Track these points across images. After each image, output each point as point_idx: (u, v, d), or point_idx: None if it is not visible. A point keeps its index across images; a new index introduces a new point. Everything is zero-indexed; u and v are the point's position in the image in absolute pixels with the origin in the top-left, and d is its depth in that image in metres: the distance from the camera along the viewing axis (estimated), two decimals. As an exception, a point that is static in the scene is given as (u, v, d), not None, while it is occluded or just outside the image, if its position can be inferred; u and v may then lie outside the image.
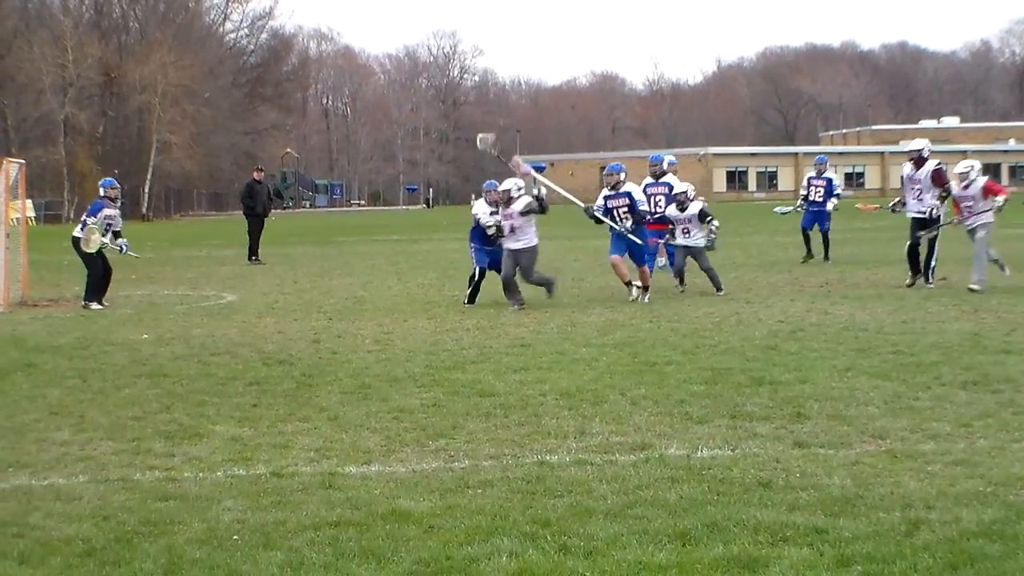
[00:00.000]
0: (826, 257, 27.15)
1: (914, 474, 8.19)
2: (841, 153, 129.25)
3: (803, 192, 27.71)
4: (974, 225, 20.35)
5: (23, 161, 24.27)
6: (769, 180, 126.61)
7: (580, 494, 7.85)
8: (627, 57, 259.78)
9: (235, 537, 7.11)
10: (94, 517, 7.57)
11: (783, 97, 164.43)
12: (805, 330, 15.60)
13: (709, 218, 20.53)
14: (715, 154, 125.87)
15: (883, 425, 9.71)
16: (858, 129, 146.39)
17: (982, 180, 20.66)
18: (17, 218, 23.31)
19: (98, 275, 20.84)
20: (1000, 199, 20.68)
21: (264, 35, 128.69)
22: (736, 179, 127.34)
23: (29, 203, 21.46)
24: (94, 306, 20.47)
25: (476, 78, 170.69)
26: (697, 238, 20.66)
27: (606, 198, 19.81)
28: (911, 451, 8.84)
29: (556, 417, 10.35)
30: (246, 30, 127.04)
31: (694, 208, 20.77)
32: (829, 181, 27.63)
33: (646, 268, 19.86)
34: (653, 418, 10.21)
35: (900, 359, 12.99)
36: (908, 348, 13.72)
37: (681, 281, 21.09)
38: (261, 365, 13.63)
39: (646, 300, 19.43)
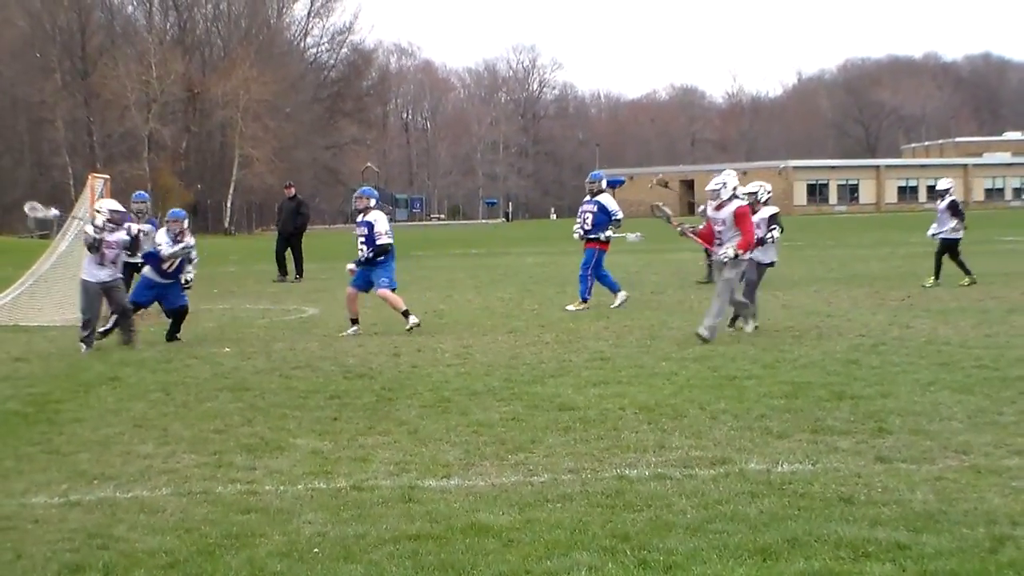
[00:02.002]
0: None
1: (999, 490, 8.10)
2: (923, 166, 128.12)
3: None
4: (721, 259, 16.38)
5: (108, 176, 24.50)
6: (850, 193, 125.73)
7: (659, 508, 7.82)
8: (707, 70, 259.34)
9: (315, 550, 7.15)
10: (177, 529, 7.64)
11: (864, 109, 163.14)
12: (887, 344, 15.47)
13: (774, 227, 19.53)
14: (795, 167, 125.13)
15: (967, 440, 9.61)
16: (941, 142, 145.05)
17: (735, 204, 16.49)
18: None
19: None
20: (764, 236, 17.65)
21: (344, 50, 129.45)
22: (817, 192, 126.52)
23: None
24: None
25: (555, 92, 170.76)
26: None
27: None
28: (995, 466, 8.75)
29: (635, 431, 10.33)
30: (326, 45, 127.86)
31: (764, 213, 19.18)
32: None
33: None
34: (733, 432, 10.16)
35: (984, 373, 12.85)
36: (992, 362, 13.56)
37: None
38: (342, 379, 13.70)
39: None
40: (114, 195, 23.53)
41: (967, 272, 24.22)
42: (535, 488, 8.46)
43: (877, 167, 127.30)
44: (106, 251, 16.95)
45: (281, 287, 28.97)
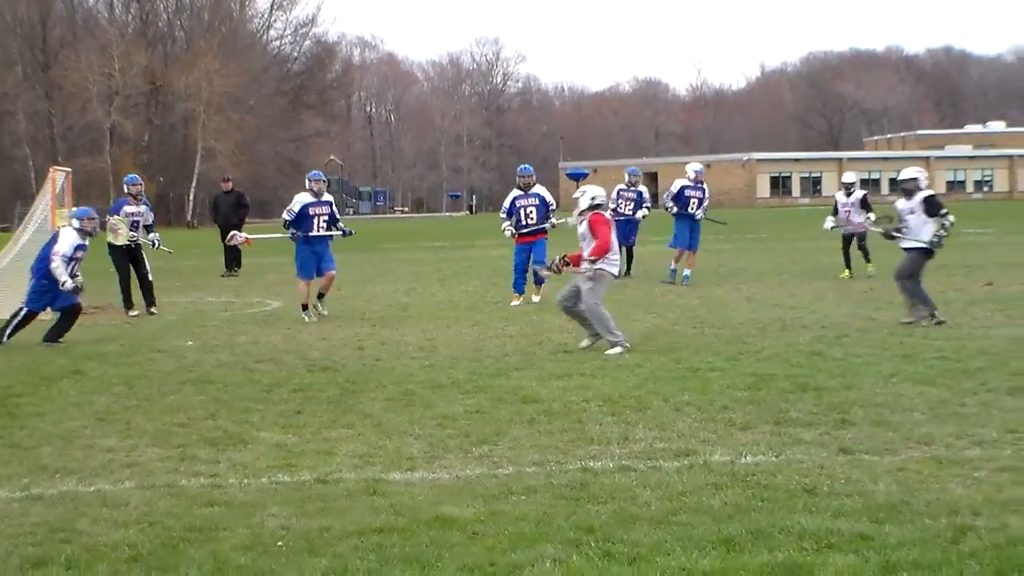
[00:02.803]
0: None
1: (960, 480, 8.15)
2: (886, 159, 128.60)
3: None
4: (584, 273, 15.10)
5: (69, 169, 24.40)
6: (813, 186, 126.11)
7: (624, 500, 7.84)
8: (670, 63, 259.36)
9: (280, 543, 7.14)
10: (140, 523, 7.62)
11: (827, 102, 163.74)
12: (850, 336, 15.55)
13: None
14: (758, 160, 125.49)
15: (929, 431, 9.67)
16: (903, 134, 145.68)
17: (589, 213, 15.20)
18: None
19: (126, 278, 21.05)
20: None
21: (307, 43, 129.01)
22: (780, 185, 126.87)
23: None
24: (131, 313, 20.62)
25: (519, 85, 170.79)
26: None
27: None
28: (957, 457, 8.80)
29: (599, 423, 10.35)
30: (290, 38, 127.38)
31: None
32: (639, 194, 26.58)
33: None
34: (697, 424, 10.20)
35: (945, 365, 12.92)
36: (954, 354, 13.64)
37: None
38: (305, 372, 13.68)
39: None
40: (76, 189, 23.48)
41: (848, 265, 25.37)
42: (500, 481, 8.47)
43: (840, 160, 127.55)
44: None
45: (243, 279, 28.84)
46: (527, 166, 22.05)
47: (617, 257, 15.33)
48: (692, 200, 24.40)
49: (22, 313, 17.04)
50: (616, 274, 15.44)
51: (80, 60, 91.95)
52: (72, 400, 12.19)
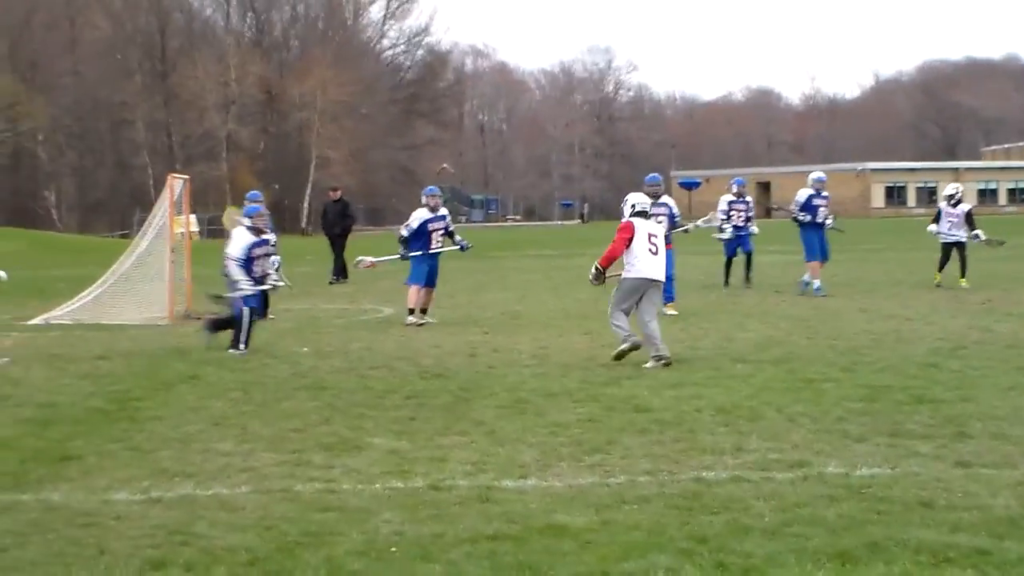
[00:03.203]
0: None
1: (1082, 495, 8.01)
2: (1004, 168, 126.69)
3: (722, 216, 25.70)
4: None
5: (187, 177, 24.76)
6: (929, 195, 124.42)
7: (737, 511, 7.80)
8: (783, 72, 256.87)
9: (393, 549, 7.19)
10: (257, 527, 7.71)
11: (942, 111, 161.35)
12: (967, 348, 15.33)
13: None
14: (873, 169, 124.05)
15: (1049, 445, 9.52)
16: (1022, 144, 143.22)
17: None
18: (181, 232, 23.82)
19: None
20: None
21: (421, 51, 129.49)
22: (895, 195, 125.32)
23: (193, 218, 21.96)
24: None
25: (631, 93, 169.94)
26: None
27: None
28: (1078, 472, 8.65)
29: (712, 433, 10.31)
30: (403, 47, 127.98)
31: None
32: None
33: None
34: (811, 435, 10.12)
35: (1066, 378, 12.71)
36: (1075, 367, 13.41)
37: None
38: (418, 379, 13.76)
39: None
40: (193, 196, 23.82)
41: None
42: (612, 489, 8.47)
43: (956, 169, 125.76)
44: None
45: (358, 286, 29.00)
46: (655, 175, 21.98)
47: (644, 264, 14.97)
48: (820, 209, 24.19)
49: (244, 315, 16.56)
50: (648, 278, 15.05)
51: (197, 69, 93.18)
52: (190, 405, 12.37)
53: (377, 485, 8.76)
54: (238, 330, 16.46)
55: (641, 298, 14.94)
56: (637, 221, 15.05)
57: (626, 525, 7.55)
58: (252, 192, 22.88)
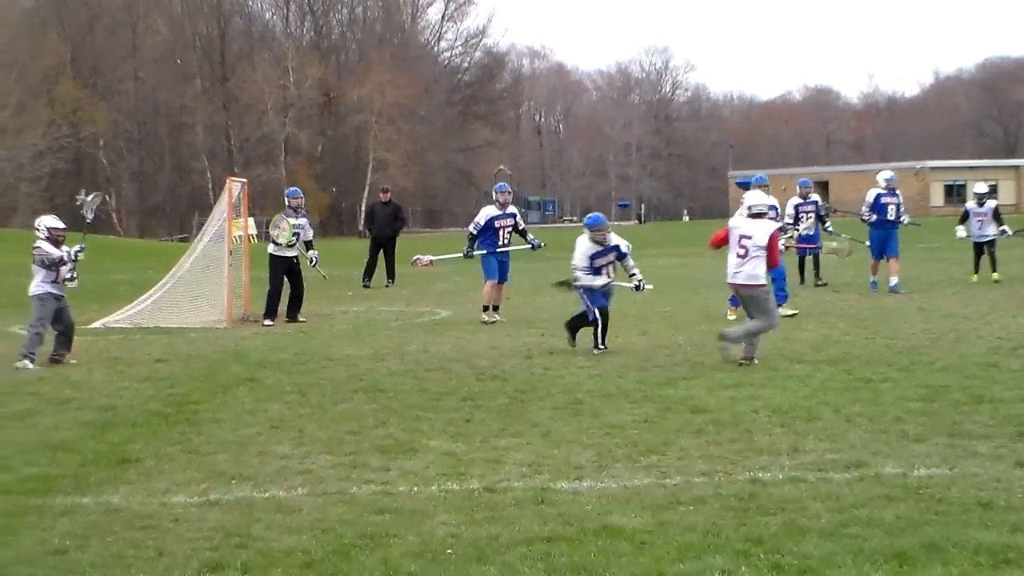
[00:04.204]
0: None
1: None
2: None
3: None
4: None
5: (245, 180, 24.89)
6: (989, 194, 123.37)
7: (794, 512, 7.77)
8: (841, 70, 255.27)
9: (449, 551, 7.21)
10: (313, 529, 7.75)
11: (1004, 108, 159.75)
12: (1028, 347, 15.21)
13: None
14: (932, 168, 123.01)
15: (1110, 445, 9.43)
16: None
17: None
18: (240, 236, 23.95)
19: (276, 290, 21.24)
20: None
21: (478, 53, 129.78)
22: (954, 193, 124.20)
23: (251, 221, 22.04)
24: (266, 322, 20.90)
25: (688, 94, 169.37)
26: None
27: (493, 217, 20.62)
28: None
29: (769, 434, 10.27)
30: (460, 48, 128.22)
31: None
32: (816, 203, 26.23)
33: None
34: (868, 436, 10.07)
35: None
36: None
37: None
38: (474, 381, 13.77)
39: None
40: (251, 199, 23.96)
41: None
42: (668, 491, 8.45)
43: (1017, 167, 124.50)
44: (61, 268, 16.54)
45: (414, 289, 29.04)
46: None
47: (728, 267, 15.11)
48: (889, 207, 24.11)
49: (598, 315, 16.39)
50: (729, 282, 15.43)
51: (256, 73, 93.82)
52: (247, 407, 12.44)
53: (433, 487, 8.78)
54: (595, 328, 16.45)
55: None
56: (735, 222, 15.09)
57: (682, 526, 7.54)
58: (291, 189, 23.16)
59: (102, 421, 11.83)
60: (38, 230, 16.72)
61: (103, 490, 8.96)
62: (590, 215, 17.74)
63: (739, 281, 14.95)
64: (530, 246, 21.20)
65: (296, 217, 21.56)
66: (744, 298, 15.07)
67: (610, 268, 17.45)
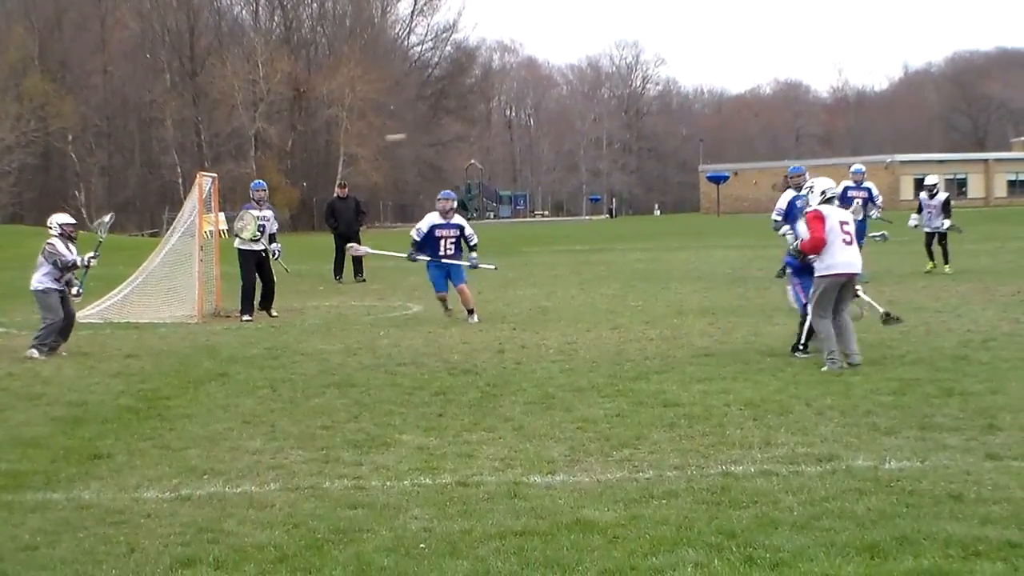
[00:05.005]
0: None
1: (1112, 488, 7.98)
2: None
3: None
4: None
5: (215, 175, 24.81)
6: (958, 187, 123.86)
7: (766, 505, 7.80)
8: (811, 64, 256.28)
9: (422, 545, 7.21)
10: (285, 524, 7.74)
11: (972, 102, 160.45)
12: (997, 339, 15.28)
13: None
14: (902, 161, 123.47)
15: (1079, 437, 9.47)
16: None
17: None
18: (210, 231, 23.88)
19: (249, 285, 21.19)
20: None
21: (448, 48, 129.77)
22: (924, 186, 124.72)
23: (222, 216, 21.96)
24: (245, 318, 20.84)
25: (659, 87, 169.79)
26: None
27: (434, 225, 20.11)
28: (1109, 464, 8.61)
29: (741, 428, 10.30)
30: (430, 43, 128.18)
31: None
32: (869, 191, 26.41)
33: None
34: (840, 429, 10.10)
35: (1097, 370, 12.64)
36: (1105, 358, 13.34)
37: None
38: (446, 375, 13.77)
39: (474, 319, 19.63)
40: (222, 194, 23.89)
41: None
42: (640, 484, 8.47)
43: (986, 161, 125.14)
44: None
45: (386, 283, 28.98)
46: (798, 167, 20.61)
47: (839, 256, 13.59)
48: (856, 201, 24.16)
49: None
50: (845, 272, 13.76)
51: (226, 67, 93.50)
52: (219, 403, 12.41)
53: (405, 481, 8.78)
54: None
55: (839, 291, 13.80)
56: (826, 209, 13.83)
57: (654, 520, 7.55)
58: (255, 182, 23.21)
59: (73, 417, 11.78)
60: (50, 228, 16.99)
61: (74, 486, 8.93)
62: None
63: (855, 270, 13.87)
64: (469, 265, 20.08)
65: (260, 209, 21.50)
66: (846, 285, 13.84)
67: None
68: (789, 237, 15.35)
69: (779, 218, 19.29)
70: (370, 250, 23.45)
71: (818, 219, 13.65)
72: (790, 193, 19.76)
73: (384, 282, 29.51)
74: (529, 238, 60.82)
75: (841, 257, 13.62)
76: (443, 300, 19.96)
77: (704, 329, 17.42)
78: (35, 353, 16.16)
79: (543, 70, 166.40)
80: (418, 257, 20.19)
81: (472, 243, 20.07)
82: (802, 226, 14.03)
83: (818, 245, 13.54)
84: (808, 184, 14.49)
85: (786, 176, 21.26)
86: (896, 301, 20.46)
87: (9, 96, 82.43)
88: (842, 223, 13.74)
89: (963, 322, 17.36)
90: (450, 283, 19.83)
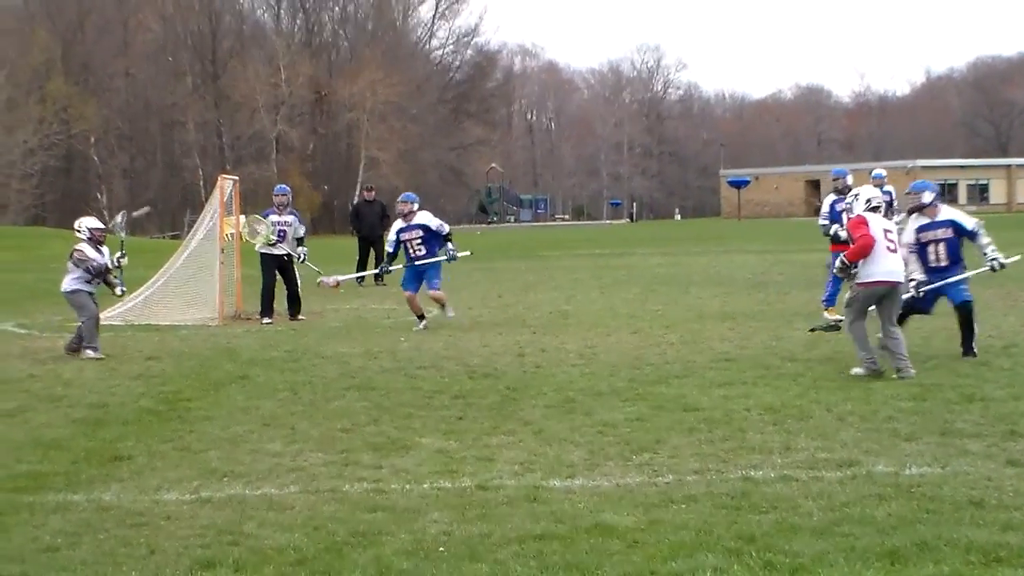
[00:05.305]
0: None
1: None
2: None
3: None
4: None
5: (236, 178, 24.84)
6: (980, 193, 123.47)
7: (785, 510, 7.78)
8: (833, 69, 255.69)
9: (441, 549, 7.21)
10: (305, 527, 7.75)
11: (995, 108, 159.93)
12: (1018, 345, 15.24)
13: None
14: (923, 167, 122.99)
15: (1101, 444, 9.44)
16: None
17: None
18: (231, 233, 23.91)
19: (269, 287, 21.23)
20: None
21: (469, 51, 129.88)
22: (945, 192, 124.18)
23: (243, 219, 22.00)
24: (265, 321, 20.89)
25: (680, 92, 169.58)
26: None
27: (398, 231, 19.69)
28: None
29: (761, 432, 10.28)
30: (452, 47, 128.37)
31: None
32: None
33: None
34: (860, 434, 10.08)
35: (1119, 376, 12.60)
36: None
37: None
38: (466, 379, 13.77)
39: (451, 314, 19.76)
40: (243, 197, 23.92)
41: None
42: (660, 489, 8.46)
43: (1008, 166, 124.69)
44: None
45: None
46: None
47: (883, 264, 13.33)
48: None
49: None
50: (889, 280, 13.43)
51: (247, 71, 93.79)
52: (239, 405, 12.43)
53: (425, 485, 8.78)
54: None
55: (880, 302, 13.54)
56: (870, 216, 13.56)
57: (674, 525, 7.54)
58: (278, 186, 23.11)
59: (94, 418, 11.81)
60: (78, 231, 17.11)
61: (95, 487, 8.95)
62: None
63: (897, 279, 13.55)
64: (447, 259, 19.60)
65: (280, 215, 21.50)
66: (889, 294, 13.55)
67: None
68: (842, 234, 15.38)
69: (826, 222, 19.11)
70: (340, 278, 23.30)
71: (862, 223, 13.43)
72: (831, 196, 19.52)
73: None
74: (550, 242, 60.82)
75: (883, 265, 13.32)
76: (411, 301, 19.58)
77: (724, 334, 17.39)
78: (91, 354, 16.28)
79: (564, 74, 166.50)
80: (390, 268, 20.28)
81: (444, 232, 19.59)
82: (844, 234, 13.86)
83: (867, 244, 13.22)
84: (854, 192, 14.34)
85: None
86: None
87: (32, 99, 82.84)
88: (886, 231, 13.51)
89: (984, 328, 17.25)
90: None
